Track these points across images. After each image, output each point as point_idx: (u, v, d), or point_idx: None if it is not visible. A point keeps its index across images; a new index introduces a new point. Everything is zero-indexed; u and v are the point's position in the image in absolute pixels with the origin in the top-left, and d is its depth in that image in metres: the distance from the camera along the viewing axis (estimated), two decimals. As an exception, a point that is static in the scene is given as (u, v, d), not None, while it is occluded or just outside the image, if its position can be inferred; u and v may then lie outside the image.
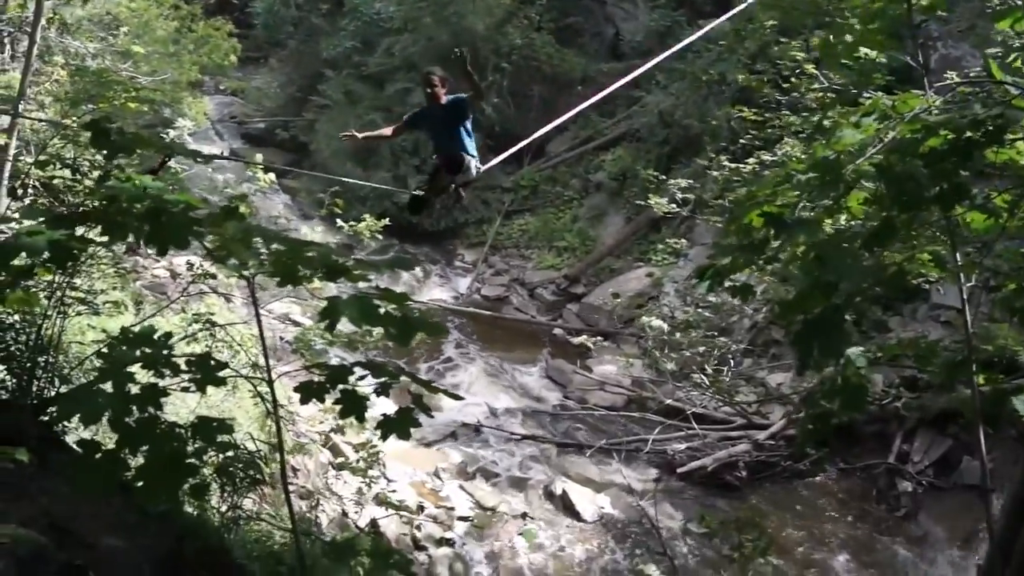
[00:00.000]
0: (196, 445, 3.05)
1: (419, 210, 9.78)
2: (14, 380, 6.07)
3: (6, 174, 9.84)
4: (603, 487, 12.83)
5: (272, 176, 14.61)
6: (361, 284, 3.06)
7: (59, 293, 6.38)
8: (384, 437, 3.20)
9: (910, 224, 3.96)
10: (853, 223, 4.22)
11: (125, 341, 3.17)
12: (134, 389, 2.90)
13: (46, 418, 5.02)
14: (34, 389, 6.02)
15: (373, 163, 22.14)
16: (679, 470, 12.93)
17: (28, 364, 6.13)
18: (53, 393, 6.07)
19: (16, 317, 6.45)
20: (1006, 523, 4.41)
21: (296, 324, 14.97)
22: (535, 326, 18.57)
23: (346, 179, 16.28)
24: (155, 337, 3.21)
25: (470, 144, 8.95)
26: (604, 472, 13.24)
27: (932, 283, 13.11)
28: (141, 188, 2.93)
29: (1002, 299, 3.81)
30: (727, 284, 4.13)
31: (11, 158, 9.94)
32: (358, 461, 11.12)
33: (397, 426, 3.19)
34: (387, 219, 13.57)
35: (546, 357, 16.88)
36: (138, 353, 3.10)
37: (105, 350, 3.13)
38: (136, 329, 3.28)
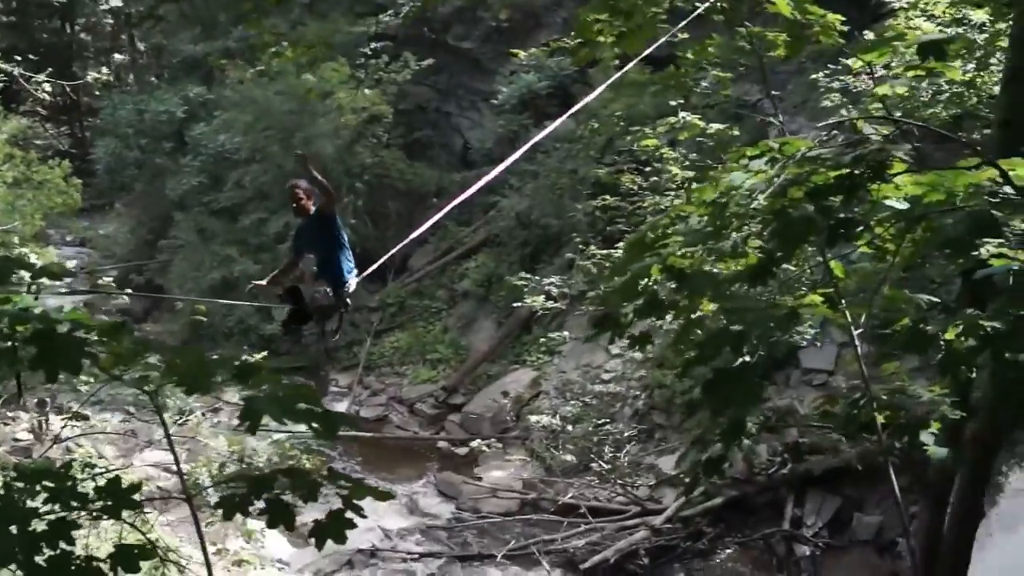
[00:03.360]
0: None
1: (300, 321, 9.46)
2: None
3: None
4: (510, 597, 12.59)
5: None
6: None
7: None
8: (319, 544, 3.01)
9: (790, 260, 4.02)
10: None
11: (22, 478, 2.94)
12: (40, 526, 2.68)
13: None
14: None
15: (232, 297, 21.78)
16: (582, 566, 12.74)
17: None
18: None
19: None
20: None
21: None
22: (419, 441, 18.29)
23: (212, 300, 15.98)
24: (54, 470, 2.99)
25: (346, 258, 8.86)
26: (509, 581, 12.99)
27: (801, 348, 13.46)
28: (23, 309, 2.75)
29: (899, 334, 3.86)
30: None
31: None
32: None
33: (331, 531, 3.01)
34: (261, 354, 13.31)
35: (433, 471, 16.59)
36: (38, 488, 2.88)
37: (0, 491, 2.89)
38: (31, 465, 3.06)
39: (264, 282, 9.67)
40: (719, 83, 8.38)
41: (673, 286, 4.02)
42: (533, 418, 15.54)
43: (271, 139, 23.13)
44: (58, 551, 2.68)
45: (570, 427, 15.04)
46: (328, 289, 8.71)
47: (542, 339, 18.79)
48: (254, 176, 23.53)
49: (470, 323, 21.16)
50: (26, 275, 3.11)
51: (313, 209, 8.75)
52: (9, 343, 2.75)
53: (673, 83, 6.31)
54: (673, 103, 10.04)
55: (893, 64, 7.41)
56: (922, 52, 4.02)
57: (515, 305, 18.18)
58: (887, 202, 3.69)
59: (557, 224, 19.59)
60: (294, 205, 8.84)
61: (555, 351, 18.48)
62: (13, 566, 2.60)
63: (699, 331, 4.25)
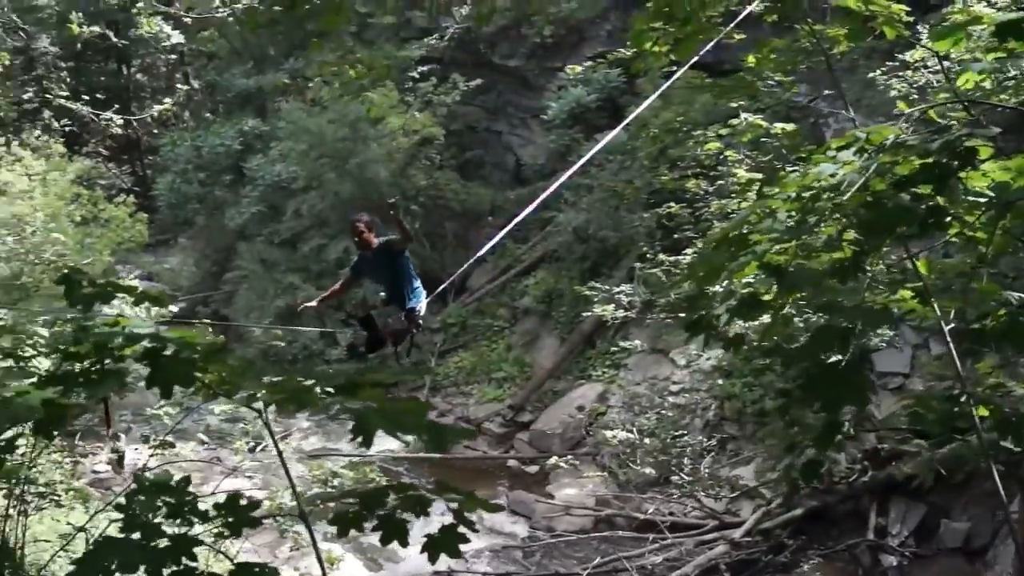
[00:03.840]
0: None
1: (375, 348, 9.56)
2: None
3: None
4: (587, 614, 12.45)
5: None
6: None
7: (18, 489, 6.05)
8: (432, 559, 2.96)
9: (880, 252, 3.91)
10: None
11: (143, 491, 2.94)
12: (163, 542, 2.67)
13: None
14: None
15: (295, 324, 21.94)
16: (662, 583, 12.59)
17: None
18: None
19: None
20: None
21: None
22: (488, 461, 18.23)
23: (280, 327, 16.11)
24: (173, 485, 2.99)
25: (412, 286, 8.92)
26: (587, 599, 12.85)
27: (877, 351, 13.22)
28: (132, 330, 2.75)
29: (992, 328, 3.72)
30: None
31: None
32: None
33: (444, 545, 2.96)
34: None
35: (505, 491, 16.51)
36: (159, 503, 2.88)
37: (122, 501, 2.89)
38: (150, 477, 3.06)
39: (314, 303, 9.82)
40: (779, 84, 8.25)
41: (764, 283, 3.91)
42: (609, 433, 15.39)
43: (326, 167, 23.35)
44: (181, 567, 2.66)
45: (647, 440, 14.89)
46: (401, 315, 8.83)
47: (608, 352, 18.69)
48: (311, 204, 23.78)
49: (533, 340, 21.10)
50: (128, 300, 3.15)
51: (376, 242, 8.78)
52: (120, 363, 2.78)
53: (742, 87, 6.15)
54: (734, 105, 9.91)
55: (956, 54, 7.28)
56: (1000, 32, 3.87)
57: (585, 315, 18.18)
58: (978, 188, 3.57)
59: (615, 236, 19.49)
60: (356, 239, 8.87)
61: (620, 364, 18.35)
62: None
63: (786, 329, 4.14)
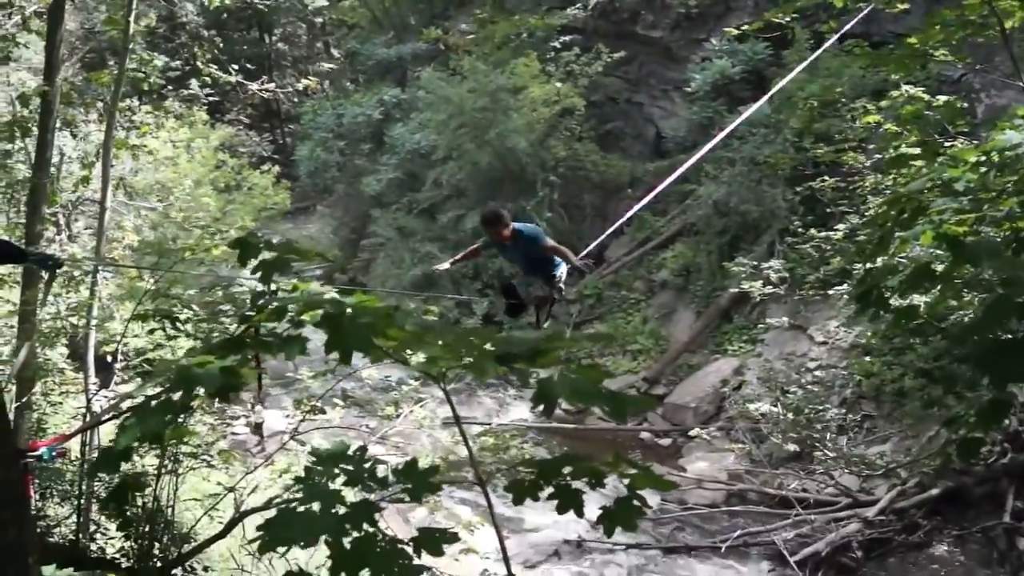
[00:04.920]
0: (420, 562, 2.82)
1: (516, 313, 9.61)
2: (135, 546, 5.93)
3: (92, 341, 9.77)
4: (717, 589, 12.40)
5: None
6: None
7: (172, 448, 6.29)
8: (609, 532, 2.95)
9: None
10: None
11: (320, 461, 3.02)
12: (342, 509, 2.73)
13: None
14: (155, 553, 5.88)
15: (433, 291, 22.19)
16: (792, 559, 12.44)
17: (147, 528, 5.99)
18: (175, 555, 5.92)
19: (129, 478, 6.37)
20: None
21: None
22: (622, 433, 18.22)
23: (418, 294, 16.37)
24: (351, 454, 3.06)
25: (554, 261, 8.89)
26: (715, 572, 12.77)
27: None
28: (312, 295, 2.82)
29: None
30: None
31: (96, 320, 9.89)
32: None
33: (619, 517, 2.96)
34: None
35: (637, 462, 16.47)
36: (336, 471, 2.94)
37: (302, 474, 2.96)
38: (327, 448, 3.14)
39: (446, 265, 9.91)
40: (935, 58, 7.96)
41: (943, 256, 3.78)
42: (752, 406, 15.26)
43: (465, 136, 23.47)
44: (362, 533, 2.70)
45: (790, 415, 14.72)
46: (542, 282, 8.88)
47: (744, 327, 18.53)
48: (450, 174, 23.96)
49: (669, 313, 20.97)
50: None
51: (512, 232, 8.61)
52: (300, 328, 2.82)
53: (907, 57, 5.92)
54: (886, 79, 9.61)
55: None
56: None
57: (730, 290, 18.07)
58: None
59: (756, 210, 19.17)
60: (490, 237, 8.78)
61: (757, 339, 18.16)
62: (312, 550, 2.65)
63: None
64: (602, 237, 11.22)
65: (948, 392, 11.84)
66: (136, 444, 2.79)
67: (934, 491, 12.69)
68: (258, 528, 2.63)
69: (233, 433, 16.14)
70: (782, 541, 12.82)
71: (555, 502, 2.88)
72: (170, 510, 6.54)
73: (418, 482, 2.94)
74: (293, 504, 2.76)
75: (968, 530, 12.42)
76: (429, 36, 28.41)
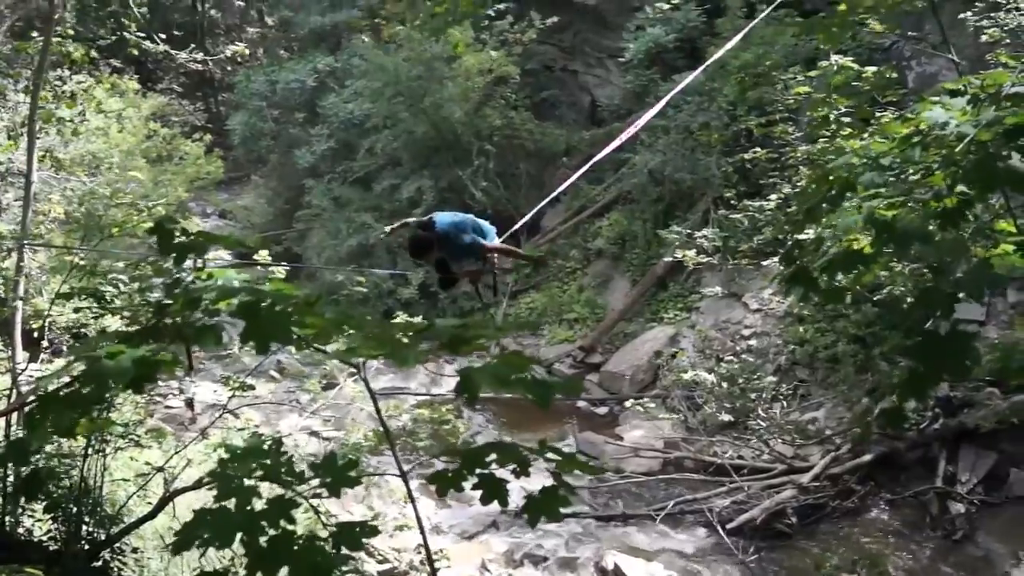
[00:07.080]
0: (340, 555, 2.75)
1: (448, 287, 9.68)
2: (62, 528, 5.83)
3: (18, 317, 9.53)
4: (653, 555, 12.44)
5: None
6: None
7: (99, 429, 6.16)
8: (532, 522, 2.90)
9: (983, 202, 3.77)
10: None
11: (234, 458, 2.93)
12: (259, 505, 2.65)
13: (99, 563, 4.78)
14: (83, 534, 5.79)
15: (369, 265, 22.02)
16: (727, 526, 12.57)
17: (74, 509, 5.89)
18: (103, 536, 5.83)
19: (55, 460, 6.24)
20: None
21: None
22: (558, 401, 18.22)
23: (353, 269, 16.22)
24: (266, 448, 2.98)
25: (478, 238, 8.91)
26: (652, 540, 12.86)
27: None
28: (228, 283, 2.73)
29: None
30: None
31: (22, 297, 9.65)
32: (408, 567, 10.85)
33: (544, 507, 2.91)
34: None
35: (574, 431, 16.54)
36: (252, 466, 2.86)
37: (218, 469, 2.88)
38: (242, 444, 3.05)
39: (393, 227, 9.95)
40: (865, 25, 7.98)
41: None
42: (687, 375, 15.37)
43: (400, 105, 23.29)
44: (279, 531, 2.65)
45: (725, 384, 14.85)
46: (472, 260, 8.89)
47: (680, 295, 18.65)
48: (385, 143, 23.77)
49: (605, 281, 21.04)
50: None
51: (436, 238, 8.70)
52: (215, 317, 2.71)
53: (837, 25, 5.87)
54: (817, 48, 9.61)
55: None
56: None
57: (664, 259, 18.14)
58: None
59: (690, 179, 19.25)
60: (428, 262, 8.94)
61: (692, 307, 18.27)
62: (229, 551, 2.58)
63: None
64: (540, 206, 11.20)
65: (881, 357, 12.04)
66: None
67: (867, 457, 12.89)
68: (176, 534, 2.57)
69: (167, 407, 15.95)
70: (718, 508, 12.96)
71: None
72: (99, 490, 6.41)
73: (337, 476, 2.88)
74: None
75: (901, 495, 12.65)
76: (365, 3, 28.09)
